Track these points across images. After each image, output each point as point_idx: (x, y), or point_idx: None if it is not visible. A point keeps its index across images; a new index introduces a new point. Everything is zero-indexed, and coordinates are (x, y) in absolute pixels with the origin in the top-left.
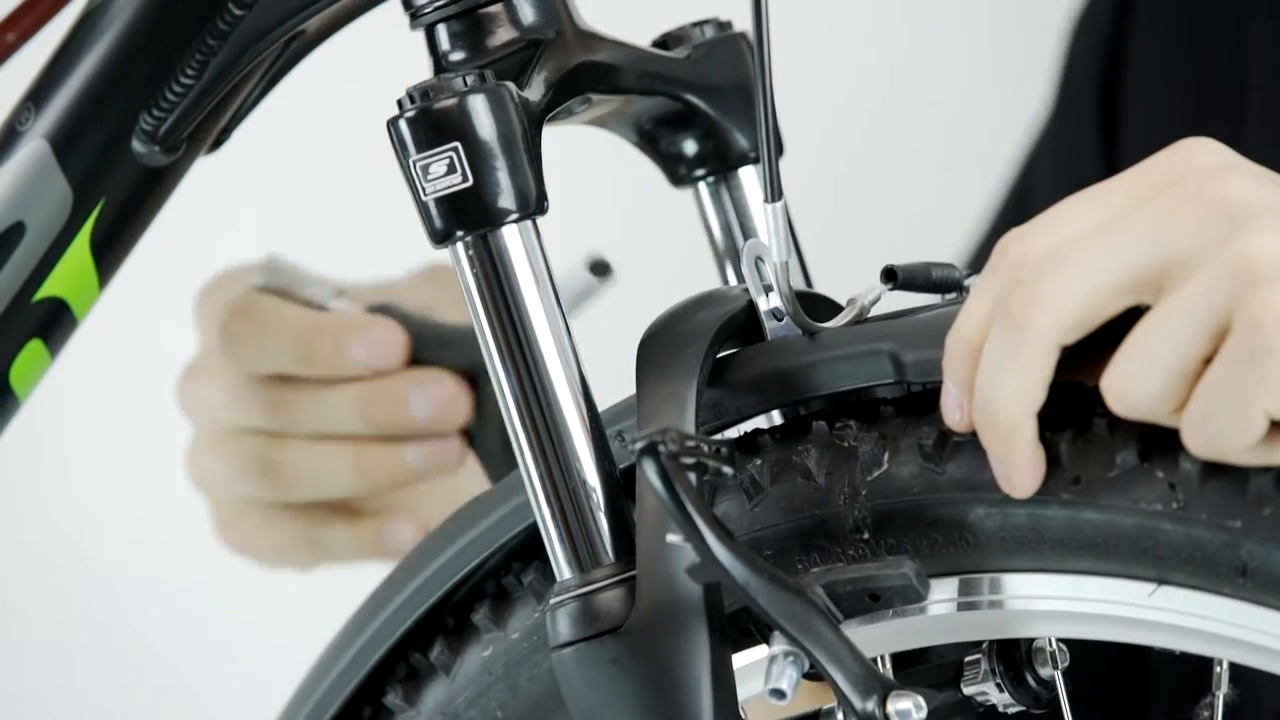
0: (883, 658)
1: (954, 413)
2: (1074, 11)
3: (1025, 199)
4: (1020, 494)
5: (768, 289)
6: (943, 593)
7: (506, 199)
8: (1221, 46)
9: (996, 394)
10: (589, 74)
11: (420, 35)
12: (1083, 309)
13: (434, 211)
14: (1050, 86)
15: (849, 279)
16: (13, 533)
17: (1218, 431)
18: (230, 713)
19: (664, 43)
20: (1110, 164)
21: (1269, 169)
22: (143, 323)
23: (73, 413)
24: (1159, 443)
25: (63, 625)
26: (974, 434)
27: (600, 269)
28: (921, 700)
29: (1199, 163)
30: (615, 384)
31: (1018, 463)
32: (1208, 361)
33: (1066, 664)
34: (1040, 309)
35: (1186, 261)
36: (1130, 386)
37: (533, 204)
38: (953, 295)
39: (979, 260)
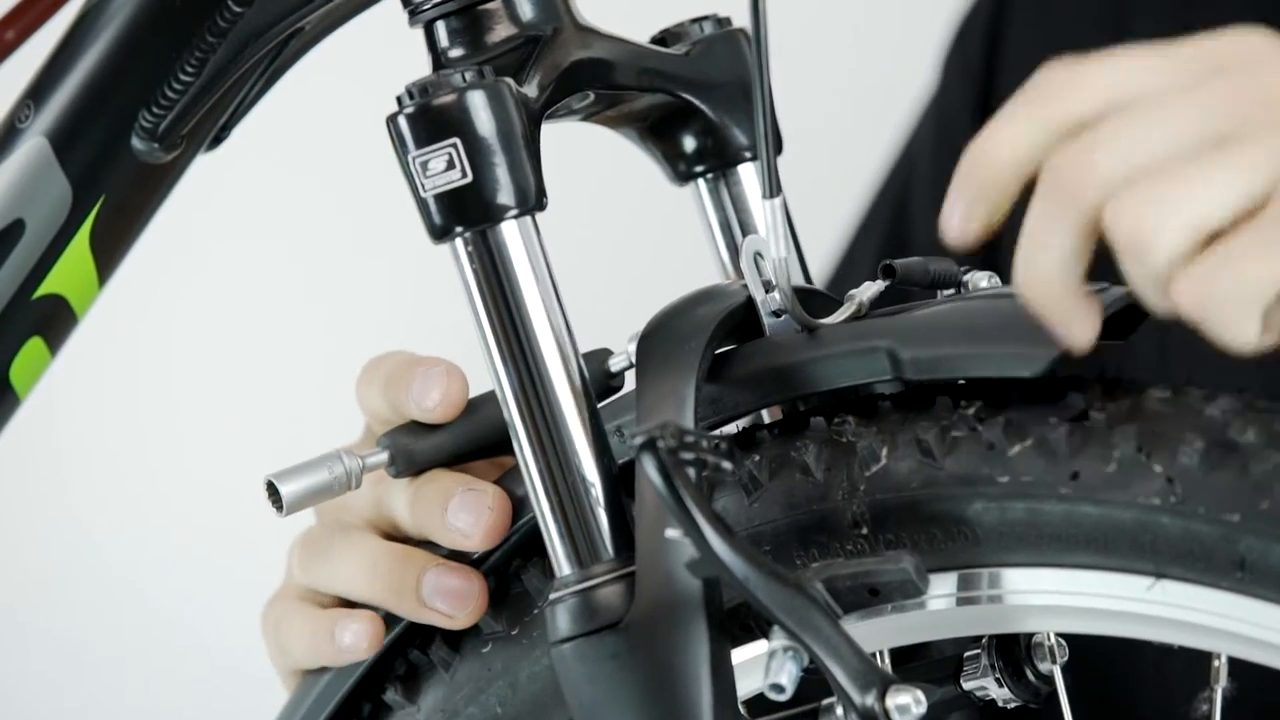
0: (882, 653)
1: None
2: (946, 36)
3: (901, 221)
4: (1082, 345)
5: (767, 285)
6: (941, 588)
7: (506, 195)
8: None
9: (1044, 259)
10: (588, 70)
11: (419, 32)
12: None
13: (433, 208)
14: (930, 102)
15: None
16: (28, 531)
17: (1220, 289)
18: (256, 703)
19: (663, 39)
20: None
21: None
22: (147, 319)
23: (86, 411)
24: (1157, 436)
25: (83, 623)
26: (972, 429)
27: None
28: (920, 695)
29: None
30: None
31: (1074, 316)
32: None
33: (1065, 659)
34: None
35: (1244, 136)
36: (1147, 227)
37: (532, 200)
38: (950, 291)
39: (847, 267)
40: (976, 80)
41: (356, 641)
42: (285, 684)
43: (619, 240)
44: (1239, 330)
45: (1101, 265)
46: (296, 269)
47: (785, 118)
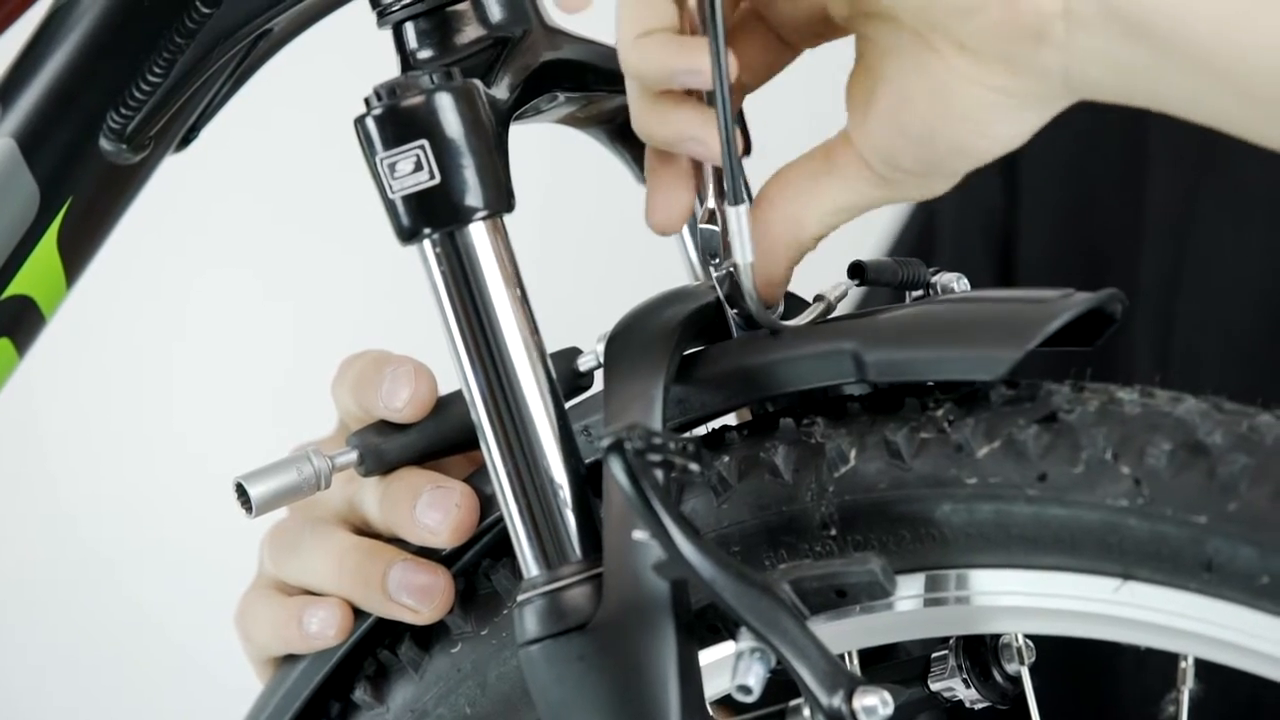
0: (850, 654)
1: None
2: None
3: (929, 229)
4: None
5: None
6: (909, 589)
7: (474, 196)
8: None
9: None
10: (556, 71)
11: (387, 33)
12: None
13: (401, 209)
14: None
15: (818, 274)
16: (19, 530)
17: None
18: (246, 697)
19: None
20: (1011, 201)
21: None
22: (118, 319)
23: (69, 411)
24: (1125, 438)
25: (72, 622)
26: (940, 430)
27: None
28: (888, 696)
29: None
30: None
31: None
32: None
33: (1033, 659)
34: None
35: None
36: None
37: (500, 201)
38: (919, 292)
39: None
40: None
41: (323, 628)
42: (258, 676)
43: (588, 240)
44: None
45: (1075, 274)
46: (270, 268)
47: (755, 121)
